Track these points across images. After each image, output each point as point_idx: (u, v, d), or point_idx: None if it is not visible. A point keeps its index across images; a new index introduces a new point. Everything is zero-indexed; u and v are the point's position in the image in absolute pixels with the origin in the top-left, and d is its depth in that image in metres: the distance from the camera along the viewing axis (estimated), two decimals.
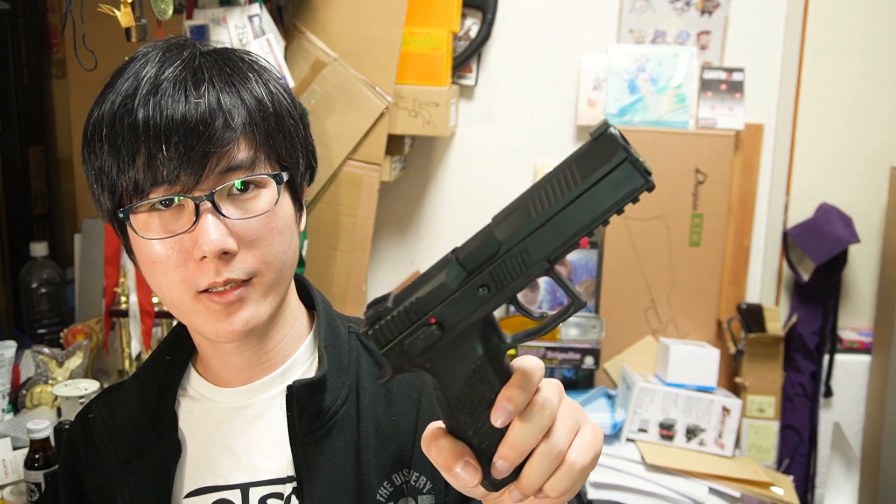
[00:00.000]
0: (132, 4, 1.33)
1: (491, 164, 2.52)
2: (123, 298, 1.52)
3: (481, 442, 0.62)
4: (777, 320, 2.47)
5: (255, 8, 1.75)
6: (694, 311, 2.45)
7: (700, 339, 2.42)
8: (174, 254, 0.81)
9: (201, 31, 1.67)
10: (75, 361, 1.62)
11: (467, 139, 2.54)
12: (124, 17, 1.32)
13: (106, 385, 1.59)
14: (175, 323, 1.54)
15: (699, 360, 2.26)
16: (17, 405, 1.61)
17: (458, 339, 0.61)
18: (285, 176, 0.85)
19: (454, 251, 0.61)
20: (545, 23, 2.49)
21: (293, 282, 0.93)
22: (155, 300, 1.52)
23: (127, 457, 0.91)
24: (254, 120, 0.82)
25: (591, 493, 2.05)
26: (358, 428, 0.89)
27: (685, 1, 2.46)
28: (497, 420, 0.61)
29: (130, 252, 0.88)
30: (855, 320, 2.61)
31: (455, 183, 2.55)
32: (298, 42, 2.09)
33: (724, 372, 2.45)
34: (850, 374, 2.58)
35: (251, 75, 0.84)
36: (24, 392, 1.60)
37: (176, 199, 0.80)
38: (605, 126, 0.56)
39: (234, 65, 0.84)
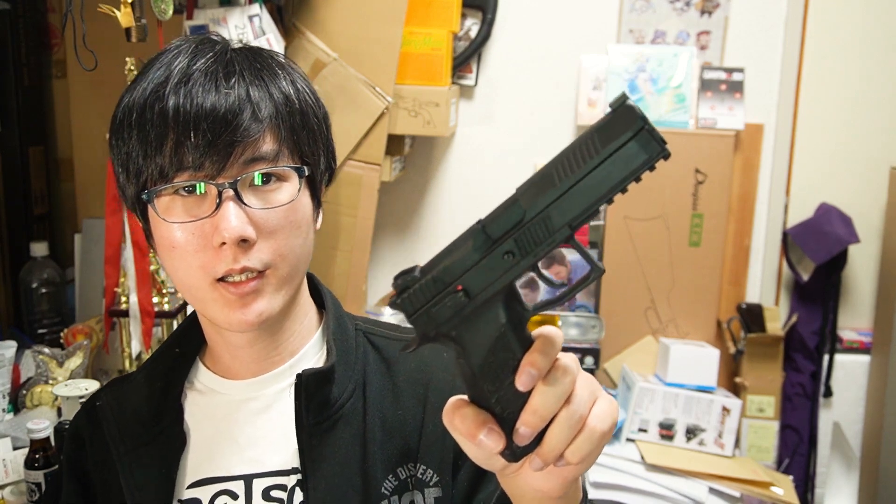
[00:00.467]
0: (132, 4, 1.33)
1: (491, 164, 2.52)
2: (123, 298, 1.52)
3: (504, 410, 0.64)
4: (777, 320, 2.47)
5: (255, 8, 1.75)
6: (694, 311, 2.45)
7: (700, 339, 2.42)
8: (194, 239, 0.82)
9: (201, 32, 1.67)
10: (75, 361, 1.63)
11: (467, 139, 2.54)
12: (124, 17, 1.32)
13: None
14: (174, 324, 1.55)
15: (699, 360, 2.26)
16: (17, 405, 1.61)
17: (483, 306, 0.63)
18: (307, 170, 0.87)
19: (480, 221, 0.63)
20: (545, 23, 2.49)
21: (305, 279, 0.94)
22: (155, 300, 1.52)
23: (132, 446, 0.92)
24: (280, 114, 0.84)
25: (592, 493, 2.05)
26: (364, 421, 0.90)
27: (685, 1, 2.46)
28: (521, 384, 0.62)
29: (150, 237, 0.89)
30: (855, 320, 2.61)
31: (455, 183, 2.55)
32: (298, 42, 2.09)
33: (724, 372, 2.45)
34: (849, 374, 2.58)
35: (280, 72, 0.87)
36: (24, 392, 1.60)
37: (199, 184, 0.82)
38: (623, 98, 0.59)
39: (263, 61, 0.87)
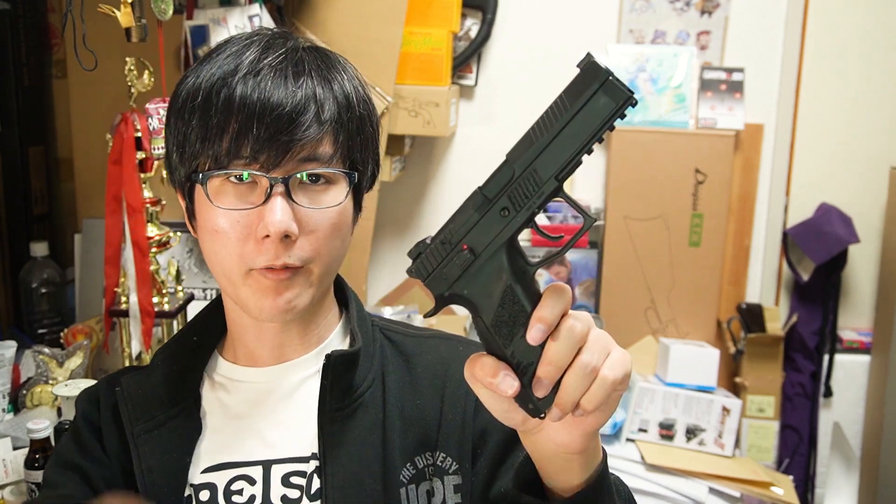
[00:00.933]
0: (132, 4, 1.33)
1: (491, 164, 2.50)
2: (123, 298, 1.51)
3: (519, 363, 0.68)
4: (777, 320, 2.48)
5: (255, 8, 1.75)
6: (694, 311, 2.45)
7: (700, 339, 2.42)
8: (238, 227, 0.84)
9: (201, 32, 1.67)
10: (75, 361, 1.62)
11: (467, 139, 2.54)
12: (124, 17, 1.32)
13: None
14: (174, 324, 1.55)
15: (699, 360, 2.26)
16: (17, 405, 1.61)
17: (488, 262, 0.68)
18: (356, 177, 0.89)
19: (479, 186, 0.69)
20: (545, 23, 2.49)
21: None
22: (155, 300, 1.52)
23: (149, 427, 0.92)
24: (341, 119, 0.86)
25: None
26: (383, 410, 0.92)
27: (685, 1, 2.46)
28: (531, 339, 0.67)
29: (193, 217, 0.91)
30: (855, 320, 2.61)
31: (455, 183, 2.55)
32: None
33: (724, 372, 2.45)
34: (849, 374, 2.58)
35: (344, 75, 0.89)
36: (24, 392, 1.60)
37: (250, 174, 0.83)
38: (588, 56, 0.65)
39: (330, 63, 0.89)
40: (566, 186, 0.74)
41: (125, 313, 1.51)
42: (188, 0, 1.66)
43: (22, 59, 2.05)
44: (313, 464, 0.90)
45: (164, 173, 1.41)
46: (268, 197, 0.83)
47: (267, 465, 0.91)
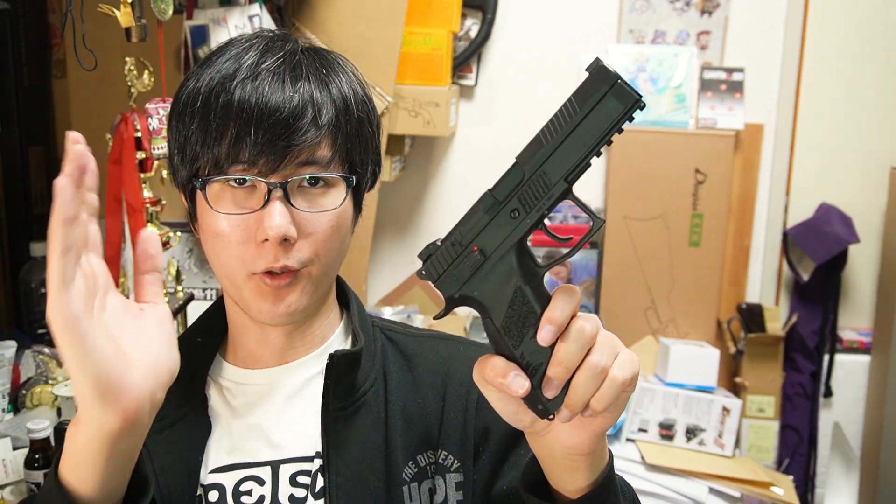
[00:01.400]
0: (132, 4, 1.33)
1: (491, 164, 2.51)
2: None
3: (529, 365, 0.69)
4: (777, 320, 2.48)
5: (255, 8, 1.75)
6: (694, 311, 2.45)
7: (700, 339, 2.42)
8: (238, 231, 0.85)
9: (201, 32, 1.67)
10: None
11: (467, 139, 2.54)
12: (124, 17, 1.32)
13: None
14: (174, 324, 1.55)
15: (699, 360, 2.26)
16: (17, 405, 1.61)
17: (498, 263, 0.69)
18: (354, 180, 0.89)
19: (489, 189, 0.70)
20: (545, 23, 2.49)
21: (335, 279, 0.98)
22: None
23: (160, 427, 0.92)
24: (339, 122, 0.86)
25: None
26: (385, 410, 0.92)
27: (685, 1, 2.46)
28: (542, 339, 0.68)
29: (195, 220, 0.92)
30: (855, 320, 2.61)
31: (455, 183, 2.55)
32: None
33: (724, 372, 2.45)
34: (849, 374, 2.58)
35: (343, 78, 0.89)
36: (24, 392, 1.60)
37: (250, 179, 0.84)
38: (597, 60, 0.66)
39: (329, 66, 0.89)
40: None
41: None
42: (188, 0, 1.66)
43: (22, 59, 2.04)
44: (317, 462, 0.90)
45: (165, 174, 1.42)
46: (266, 201, 0.83)
47: (275, 466, 0.91)
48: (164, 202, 1.52)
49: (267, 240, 0.83)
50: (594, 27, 2.49)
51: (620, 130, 0.66)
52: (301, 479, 0.91)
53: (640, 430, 2.20)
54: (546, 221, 0.70)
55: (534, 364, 0.69)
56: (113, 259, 1.51)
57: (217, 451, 0.93)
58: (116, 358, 0.64)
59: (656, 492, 2.04)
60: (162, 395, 0.68)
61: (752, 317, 2.46)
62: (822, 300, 2.54)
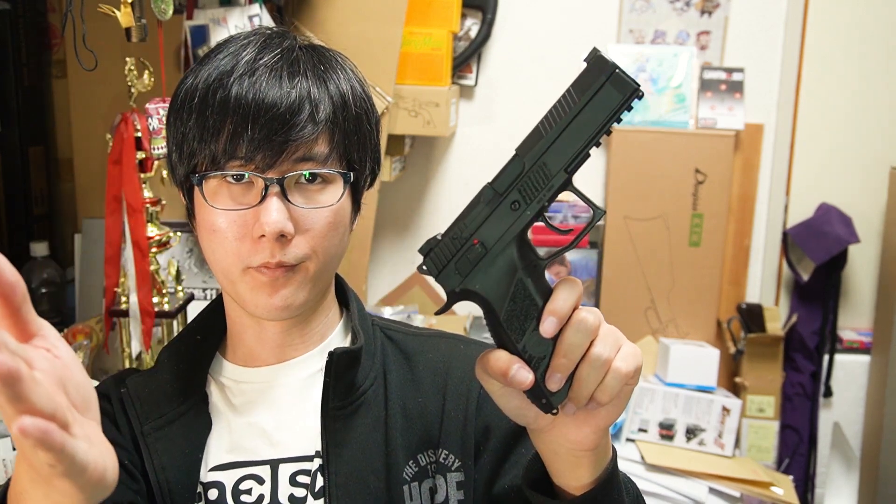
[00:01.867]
0: (132, 4, 1.33)
1: (491, 164, 2.50)
2: (123, 298, 1.51)
3: (531, 358, 0.69)
4: (777, 320, 2.47)
5: (255, 8, 1.75)
6: (694, 311, 2.45)
7: (700, 339, 2.42)
8: (235, 227, 0.85)
9: (201, 32, 1.67)
10: None
11: (467, 139, 2.54)
12: (124, 17, 1.32)
13: None
14: (174, 324, 1.55)
15: (699, 360, 2.26)
16: None
17: (499, 256, 0.69)
18: (352, 177, 0.89)
19: (489, 181, 0.69)
20: (545, 23, 2.49)
21: (333, 277, 0.97)
22: (155, 300, 1.52)
23: (159, 424, 0.92)
24: (337, 118, 0.86)
25: None
26: (385, 409, 0.92)
27: (685, 1, 2.46)
28: (545, 331, 0.68)
29: (192, 216, 0.92)
30: (855, 320, 2.61)
31: (455, 183, 2.55)
32: None
33: (724, 372, 2.45)
34: (849, 374, 2.58)
35: (342, 74, 0.89)
36: None
37: (247, 175, 0.84)
38: (594, 51, 0.66)
39: (327, 62, 0.89)
40: None
41: (125, 313, 1.51)
42: (188, 0, 1.66)
43: (22, 59, 2.05)
44: (317, 462, 0.90)
45: (165, 174, 1.42)
46: (263, 197, 0.83)
47: (275, 465, 0.91)
48: (164, 202, 1.52)
49: (263, 235, 0.83)
50: (594, 27, 2.49)
51: (619, 120, 0.66)
52: (301, 478, 0.90)
53: (640, 430, 2.20)
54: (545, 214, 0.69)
55: (537, 357, 0.69)
56: (113, 259, 1.51)
57: (217, 449, 0.92)
58: (93, 450, 0.58)
59: (656, 492, 2.04)
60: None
61: (752, 317, 2.46)
62: (822, 300, 2.54)
